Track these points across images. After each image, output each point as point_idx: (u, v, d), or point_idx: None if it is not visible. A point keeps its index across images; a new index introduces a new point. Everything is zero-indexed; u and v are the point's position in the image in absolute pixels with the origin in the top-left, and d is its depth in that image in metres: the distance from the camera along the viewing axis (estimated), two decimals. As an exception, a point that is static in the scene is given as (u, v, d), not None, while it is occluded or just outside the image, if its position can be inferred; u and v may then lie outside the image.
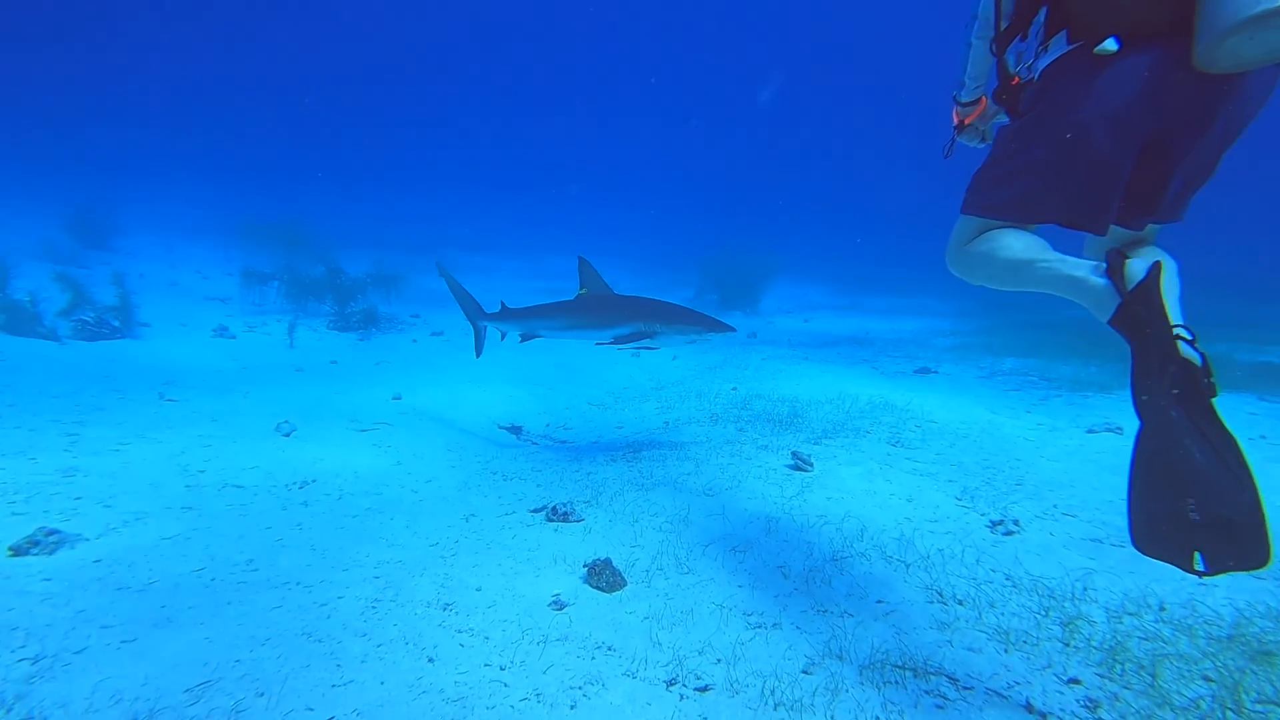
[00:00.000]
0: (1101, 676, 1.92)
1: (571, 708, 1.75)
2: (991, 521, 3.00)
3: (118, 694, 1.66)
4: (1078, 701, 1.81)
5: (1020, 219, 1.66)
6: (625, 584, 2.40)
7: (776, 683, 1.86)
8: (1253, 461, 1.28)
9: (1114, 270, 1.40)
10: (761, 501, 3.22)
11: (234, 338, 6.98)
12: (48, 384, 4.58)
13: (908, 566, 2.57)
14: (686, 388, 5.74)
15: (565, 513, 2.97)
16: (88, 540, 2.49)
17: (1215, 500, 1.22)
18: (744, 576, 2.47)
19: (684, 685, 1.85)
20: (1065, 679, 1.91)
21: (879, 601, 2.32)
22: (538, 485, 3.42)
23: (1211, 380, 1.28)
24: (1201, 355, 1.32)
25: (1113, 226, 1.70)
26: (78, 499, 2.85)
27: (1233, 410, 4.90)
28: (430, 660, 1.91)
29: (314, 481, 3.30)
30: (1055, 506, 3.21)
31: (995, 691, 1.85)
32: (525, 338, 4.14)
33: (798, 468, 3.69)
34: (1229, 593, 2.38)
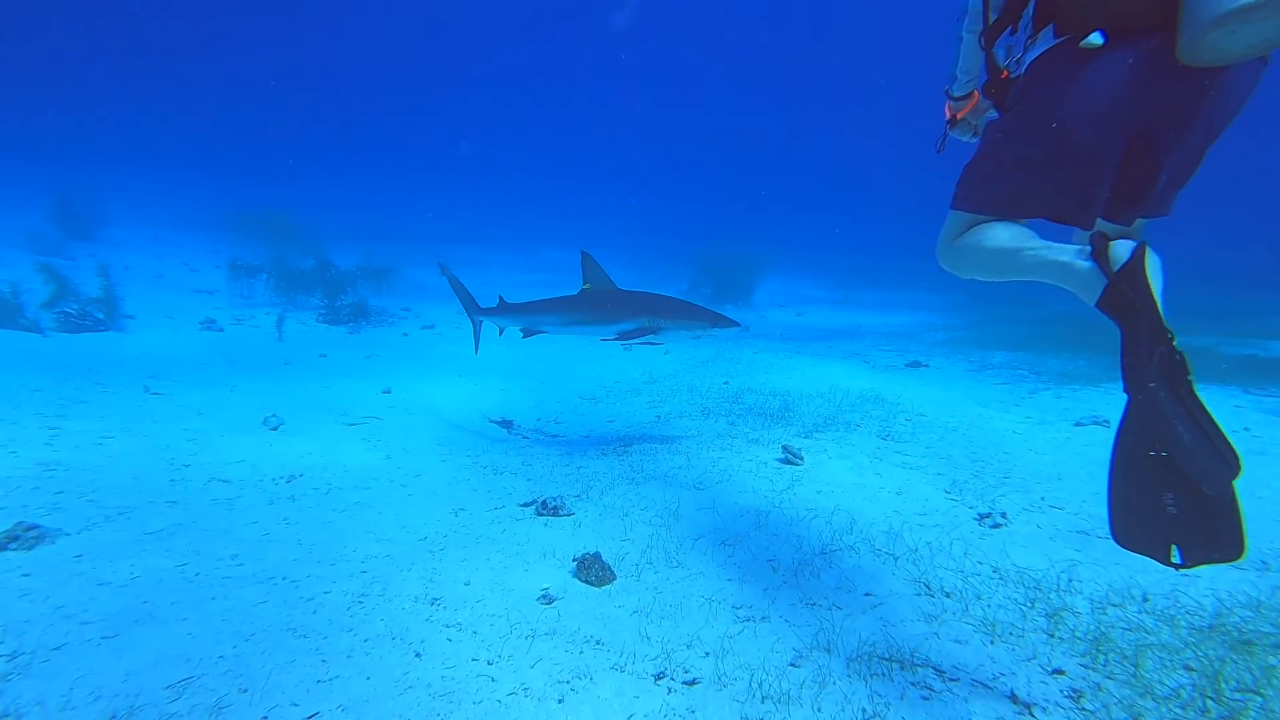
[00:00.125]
0: (1085, 667, 1.94)
1: (559, 702, 1.74)
2: (979, 514, 3.02)
3: (96, 691, 1.63)
4: (1061, 692, 1.83)
5: (1008, 214, 1.67)
6: (614, 578, 2.40)
7: (764, 675, 1.86)
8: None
9: (1098, 253, 1.40)
10: (752, 495, 3.22)
11: (221, 330, 6.90)
12: (29, 376, 4.50)
13: (896, 559, 2.58)
14: (678, 382, 5.73)
15: (555, 507, 2.96)
16: (68, 535, 2.45)
17: (1203, 481, 1.23)
18: (733, 570, 2.48)
19: (672, 678, 1.85)
20: (1050, 670, 1.92)
21: (867, 594, 2.33)
22: (528, 479, 3.40)
23: (1190, 385, 1.32)
24: (1179, 353, 1.34)
25: (1101, 221, 1.70)
26: (59, 493, 2.81)
27: (1218, 403, 4.96)
28: (417, 655, 1.90)
29: (301, 476, 3.27)
30: (1042, 499, 3.24)
31: (981, 683, 1.87)
32: (528, 333, 4.09)
33: (788, 461, 3.69)
34: (1211, 583, 2.41)
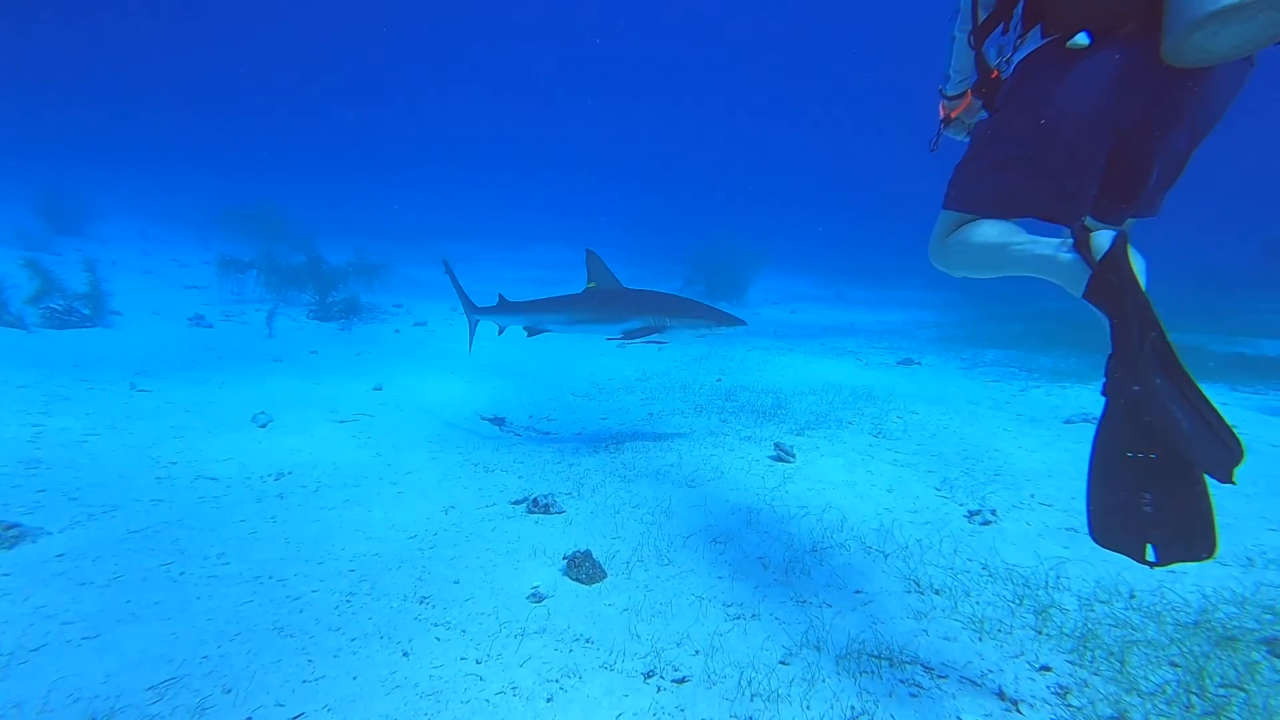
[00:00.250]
0: (1072, 663, 1.95)
1: (548, 701, 1.73)
2: (969, 511, 3.03)
3: (76, 692, 1.61)
4: (1048, 688, 1.84)
5: (998, 213, 1.67)
6: (605, 576, 2.39)
7: (754, 673, 1.86)
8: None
9: (1080, 244, 1.41)
10: (743, 493, 3.22)
11: (210, 327, 6.83)
12: (12, 373, 4.44)
13: (886, 557, 2.59)
14: (671, 379, 5.73)
15: (546, 504, 2.94)
16: (50, 534, 2.42)
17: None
18: (724, 568, 2.47)
19: (661, 677, 1.84)
20: (1037, 666, 1.93)
21: (857, 592, 2.33)
22: (519, 477, 3.39)
23: None
24: None
25: (1092, 221, 1.71)
26: (41, 491, 2.77)
27: (1205, 401, 4.99)
28: (405, 654, 1.89)
29: (290, 473, 3.24)
30: (1032, 496, 3.26)
31: (968, 679, 1.87)
32: (532, 332, 4.05)
33: (780, 459, 3.69)
34: (1196, 579, 2.43)
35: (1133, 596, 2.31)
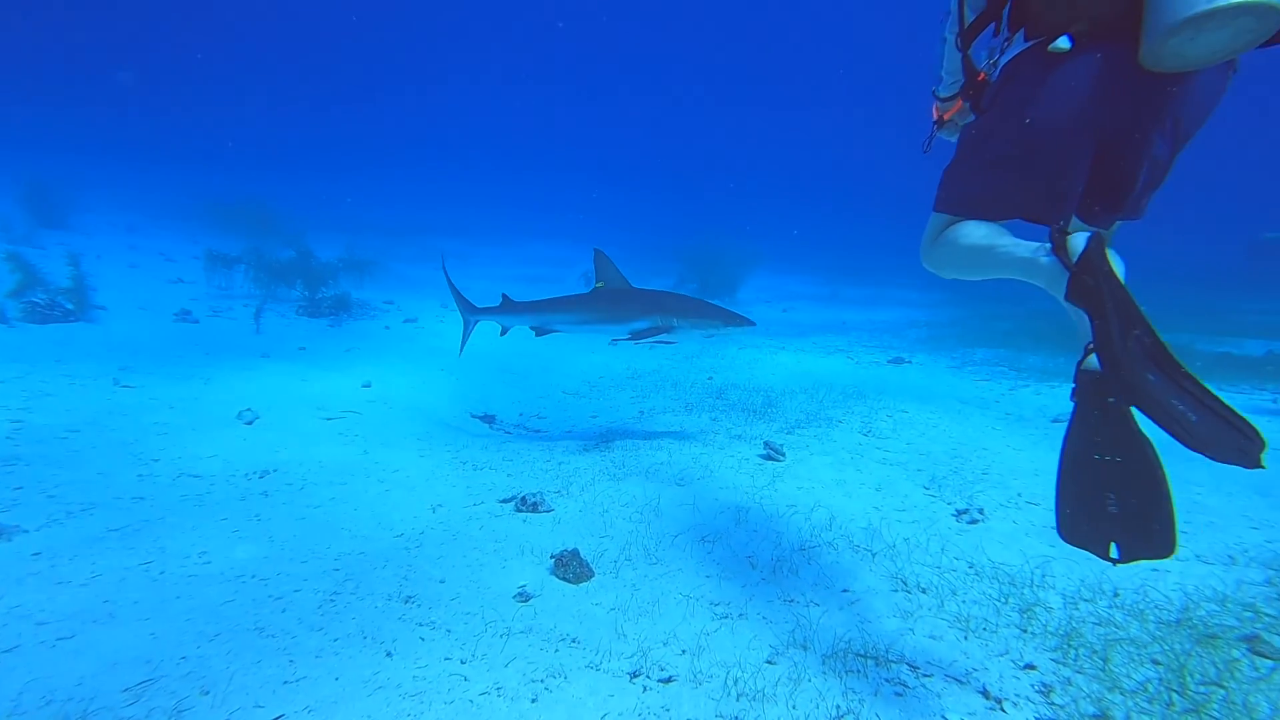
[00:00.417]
0: (1056, 661, 1.96)
1: (533, 701, 1.72)
2: (957, 510, 3.05)
3: (48, 695, 1.58)
4: (1032, 686, 1.85)
5: (985, 214, 1.69)
6: (593, 575, 2.38)
7: (740, 673, 1.86)
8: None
9: (1058, 247, 1.42)
10: (733, 491, 3.22)
11: (197, 322, 6.74)
12: (-7, 369, 4.36)
13: (874, 555, 2.59)
14: (662, 377, 5.72)
15: (535, 503, 2.93)
16: (26, 532, 2.37)
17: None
18: (712, 567, 2.47)
19: (647, 676, 1.83)
20: (1021, 664, 1.94)
21: (844, 590, 2.34)
22: (508, 475, 3.37)
23: None
24: None
25: (1083, 225, 1.71)
26: (18, 489, 2.72)
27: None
28: (388, 655, 1.87)
29: (275, 471, 3.20)
30: (1019, 495, 3.27)
31: (953, 678, 1.88)
32: (540, 332, 4.02)
33: (770, 457, 3.70)
34: (1179, 578, 2.45)
35: (1116, 595, 2.33)
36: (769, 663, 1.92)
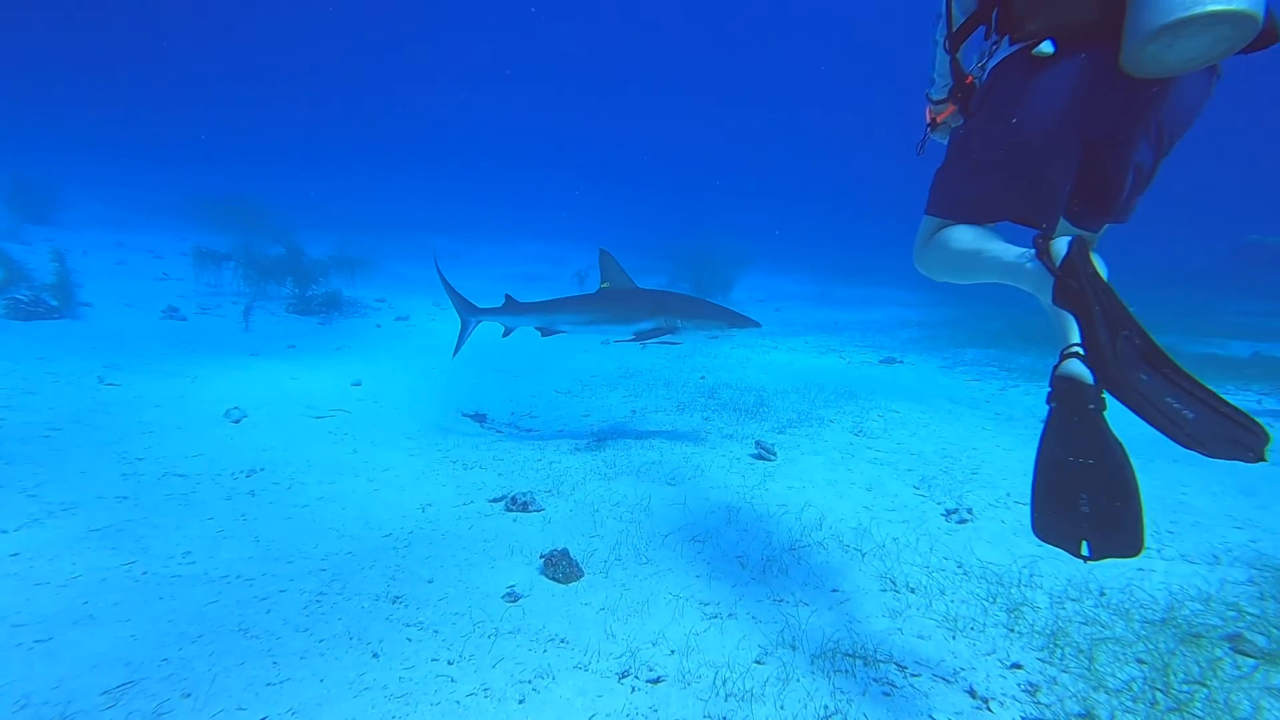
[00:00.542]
0: (1042, 661, 1.97)
1: (520, 702, 1.71)
2: (947, 510, 3.06)
3: (24, 698, 1.55)
4: (1018, 686, 1.86)
5: (974, 217, 1.70)
6: (582, 575, 2.37)
7: (729, 673, 1.85)
8: (1188, 453, 1.29)
9: (1041, 252, 1.43)
10: (724, 491, 3.22)
11: (185, 320, 6.67)
12: (-26, 366, 4.29)
13: (863, 555, 2.60)
14: (655, 376, 5.71)
15: (525, 502, 2.91)
16: (5, 532, 2.33)
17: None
18: (702, 566, 2.46)
19: (636, 677, 1.83)
20: (1008, 664, 1.95)
21: (834, 590, 2.34)
22: (499, 474, 3.35)
23: (1103, 403, 1.40)
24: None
25: (1074, 228, 1.72)
26: (-2, 489, 2.67)
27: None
28: (375, 656, 1.85)
29: (262, 470, 3.17)
30: (1008, 495, 3.29)
31: (941, 677, 1.88)
32: (546, 333, 3.99)
33: (761, 457, 3.70)
34: (1164, 577, 2.47)
35: (1103, 594, 2.35)
36: (758, 663, 1.92)
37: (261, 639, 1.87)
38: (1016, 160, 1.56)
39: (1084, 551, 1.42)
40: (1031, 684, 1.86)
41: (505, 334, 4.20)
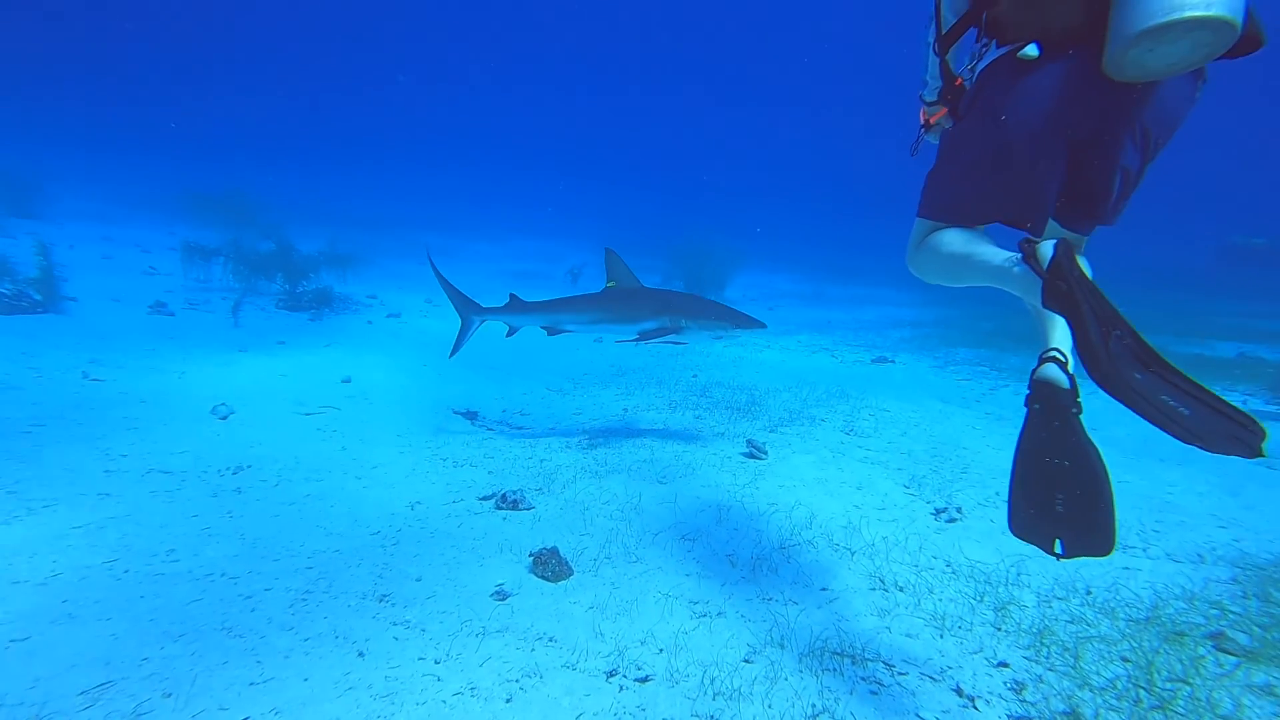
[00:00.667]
0: (1029, 659, 1.98)
1: (507, 701, 1.70)
2: (936, 509, 3.07)
3: (-1, 699, 1.53)
4: (1005, 684, 1.87)
5: (964, 220, 1.71)
6: (572, 573, 2.36)
7: (717, 672, 1.85)
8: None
9: (1028, 257, 1.44)
10: (714, 489, 3.22)
11: (172, 315, 6.59)
12: (-46, 361, 4.22)
13: (853, 554, 2.60)
14: (647, 374, 5.70)
15: (515, 500, 2.90)
16: (-16, 531, 2.29)
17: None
18: (692, 565, 2.46)
19: (624, 676, 1.82)
20: (995, 662, 1.96)
21: (823, 589, 2.34)
22: (489, 472, 3.33)
23: (1079, 406, 1.45)
24: (1070, 378, 1.48)
25: (1066, 231, 1.73)
26: (-22, 486, 2.63)
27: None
28: (361, 655, 1.83)
29: (249, 467, 3.14)
30: (997, 494, 3.31)
31: (928, 676, 1.89)
32: (551, 332, 3.98)
33: (752, 455, 3.70)
34: (1150, 576, 2.49)
35: (1089, 593, 2.36)
36: (746, 661, 1.92)
37: (245, 638, 1.85)
38: (1003, 162, 1.57)
39: (1057, 549, 1.47)
40: (1018, 682, 1.87)
41: (509, 334, 4.17)
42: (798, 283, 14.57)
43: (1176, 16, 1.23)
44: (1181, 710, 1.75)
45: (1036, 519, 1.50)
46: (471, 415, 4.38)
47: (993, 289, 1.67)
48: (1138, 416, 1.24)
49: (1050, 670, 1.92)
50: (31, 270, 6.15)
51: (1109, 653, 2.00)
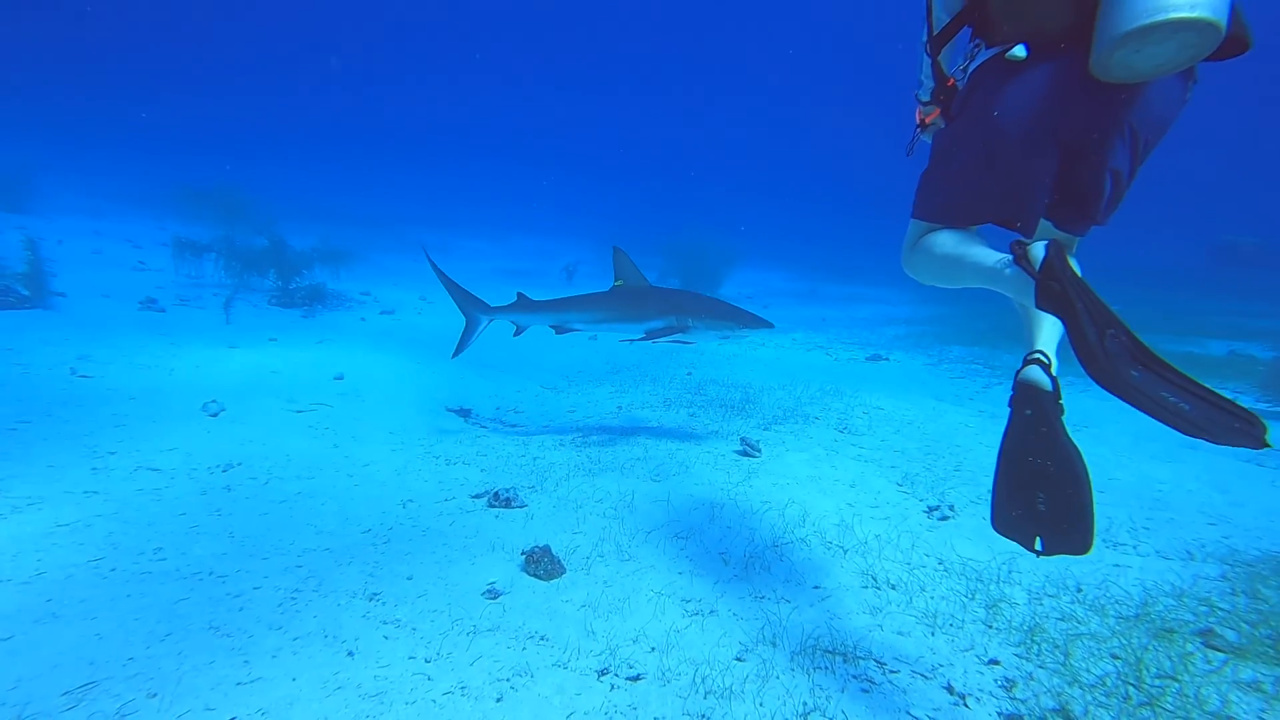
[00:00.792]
0: (1019, 657, 1.98)
1: (498, 700, 1.69)
2: (929, 507, 3.08)
3: (-20, 700, 1.50)
4: (995, 682, 1.87)
5: (957, 221, 1.71)
6: (564, 571, 2.35)
7: (708, 670, 1.85)
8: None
9: (1019, 259, 1.44)
10: (708, 487, 3.21)
11: (163, 311, 6.53)
12: (-61, 357, 4.17)
13: (845, 552, 2.60)
14: (642, 372, 5.69)
15: (508, 498, 2.88)
16: (-33, 529, 2.26)
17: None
18: (685, 563, 2.46)
19: (615, 675, 1.81)
20: (986, 660, 1.97)
21: (815, 587, 2.34)
22: (482, 470, 3.32)
23: (1061, 408, 1.47)
24: (1053, 380, 1.50)
25: (1060, 232, 1.73)
26: (-39, 484, 2.59)
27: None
28: (350, 654, 1.82)
29: (239, 465, 3.11)
30: (990, 491, 3.31)
31: (919, 674, 1.89)
32: (560, 330, 3.97)
33: (746, 453, 3.70)
34: (1140, 573, 2.50)
35: (1079, 590, 2.37)
36: (738, 660, 1.91)
37: (233, 637, 1.83)
38: (993, 163, 1.57)
39: (1038, 546, 1.51)
40: (1008, 679, 1.88)
41: (516, 333, 4.14)
42: (792, 280, 14.59)
43: (1161, 18, 1.23)
44: (1170, 707, 1.76)
45: (1018, 517, 1.53)
46: (465, 413, 4.36)
47: (986, 289, 1.67)
48: (1141, 413, 1.24)
49: (1041, 667, 1.93)
50: (19, 265, 6.08)
51: (1099, 650, 2.01)
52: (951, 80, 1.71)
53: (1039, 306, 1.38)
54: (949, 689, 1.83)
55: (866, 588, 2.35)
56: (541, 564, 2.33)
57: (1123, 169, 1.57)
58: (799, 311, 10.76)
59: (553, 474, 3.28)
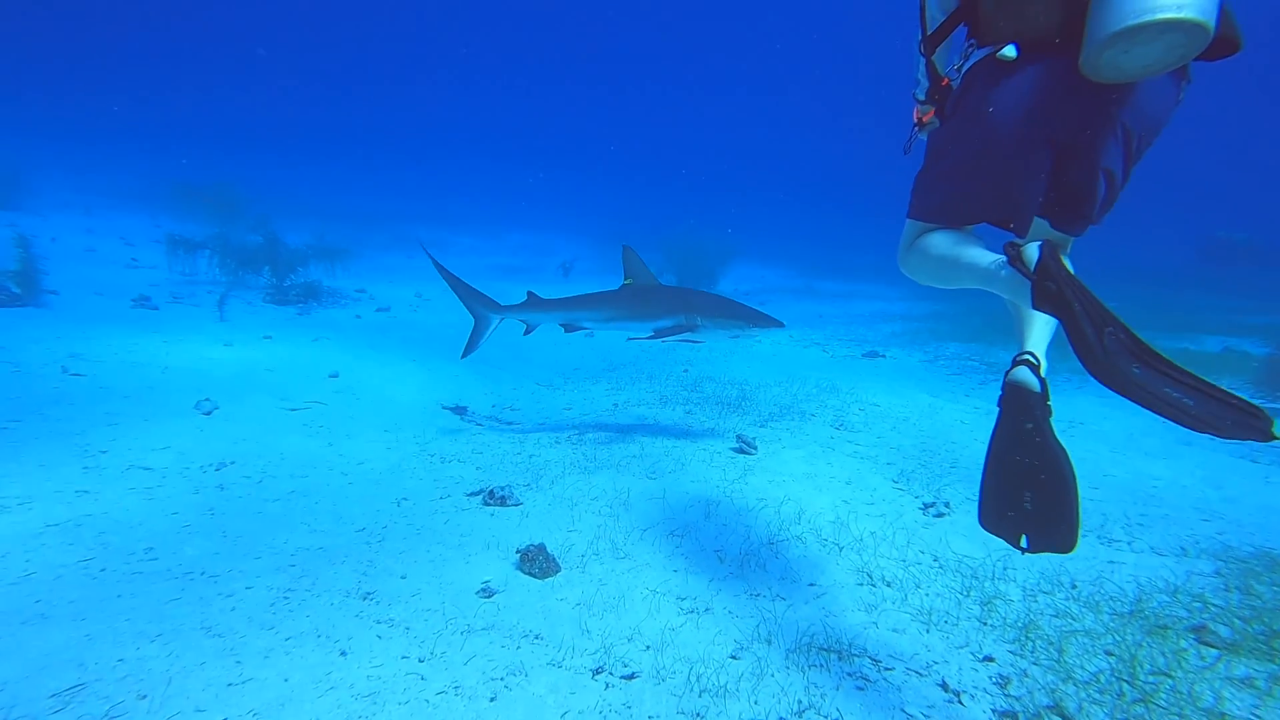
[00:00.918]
0: (1014, 653, 1.99)
1: (491, 700, 1.68)
2: (924, 504, 3.08)
3: (-33, 703, 1.49)
4: (990, 679, 1.87)
5: (951, 221, 1.71)
6: (559, 570, 2.34)
7: (703, 669, 1.84)
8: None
9: (1014, 260, 1.44)
10: (703, 485, 3.21)
11: (156, 309, 6.49)
12: (-71, 355, 4.13)
13: (841, 549, 2.60)
14: (638, 369, 5.68)
15: (503, 496, 2.87)
16: (-44, 529, 2.24)
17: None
18: (680, 561, 2.45)
19: (610, 673, 1.81)
20: (980, 657, 1.97)
21: (811, 585, 2.34)
22: (477, 468, 3.31)
23: (1049, 409, 1.50)
24: (1041, 381, 1.53)
25: (1057, 232, 1.73)
26: (-50, 483, 2.57)
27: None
28: (343, 654, 1.81)
29: (233, 463, 3.09)
30: (984, 489, 3.32)
31: (914, 671, 1.89)
32: (569, 329, 3.95)
33: (742, 450, 3.69)
34: (1134, 570, 2.51)
35: (1074, 587, 2.38)
36: (733, 658, 1.91)
37: (224, 637, 1.82)
38: (985, 163, 1.57)
39: (1024, 544, 1.54)
40: (1003, 676, 1.88)
41: (526, 331, 4.13)
42: (789, 277, 14.58)
43: (1148, 19, 1.23)
44: (1164, 703, 1.76)
45: (1005, 514, 1.56)
46: (460, 410, 4.35)
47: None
48: (1145, 410, 1.24)
49: (1035, 664, 1.93)
50: (11, 263, 6.03)
51: (1093, 646, 2.01)
52: (946, 80, 1.70)
53: (1036, 307, 1.37)
54: (944, 686, 1.83)
55: (862, 585, 2.35)
56: (536, 562, 2.32)
57: (1116, 169, 1.56)
58: (796, 308, 10.76)
59: (548, 472, 3.27)
